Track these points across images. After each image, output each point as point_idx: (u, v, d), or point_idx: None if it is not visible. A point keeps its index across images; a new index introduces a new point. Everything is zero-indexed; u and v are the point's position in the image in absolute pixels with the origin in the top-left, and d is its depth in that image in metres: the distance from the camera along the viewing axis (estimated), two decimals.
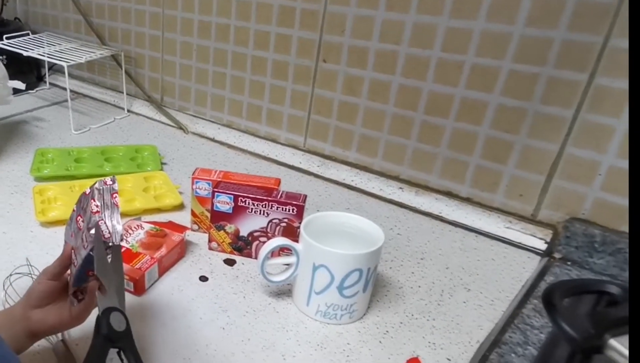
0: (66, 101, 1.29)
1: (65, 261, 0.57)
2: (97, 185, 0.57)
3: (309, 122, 1.06)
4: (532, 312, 0.69)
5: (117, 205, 0.55)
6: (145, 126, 1.25)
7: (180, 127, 1.22)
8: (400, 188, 0.95)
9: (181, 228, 0.81)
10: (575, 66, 0.75)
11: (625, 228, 0.76)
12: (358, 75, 0.96)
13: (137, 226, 0.79)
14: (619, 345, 0.47)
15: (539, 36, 0.77)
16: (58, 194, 0.90)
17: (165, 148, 1.12)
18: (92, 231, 0.52)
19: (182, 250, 0.78)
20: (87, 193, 0.57)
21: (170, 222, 0.84)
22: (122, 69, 1.32)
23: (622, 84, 0.72)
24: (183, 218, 0.86)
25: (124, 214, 0.87)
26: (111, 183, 0.57)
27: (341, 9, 0.94)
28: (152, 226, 0.80)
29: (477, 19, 0.81)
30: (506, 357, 0.62)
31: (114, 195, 0.56)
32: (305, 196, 0.76)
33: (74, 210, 0.60)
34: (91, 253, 0.51)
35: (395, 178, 0.97)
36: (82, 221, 0.56)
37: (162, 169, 1.02)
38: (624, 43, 0.71)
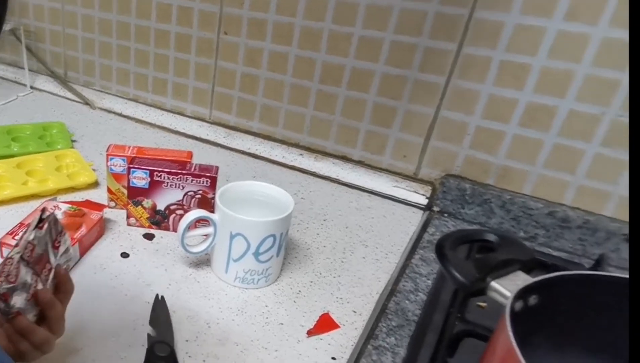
0: None
1: None
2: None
3: (213, 95, 1.07)
4: (419, 262, 0.76)
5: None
6: (50, 102, 1.21)
7: (87, 102, 1.19)
8: (301, 154, 0.99)
9: (99, 206, 0.80)
10: (446, 36, 0.80)
11: (490, 181, 0.84)
12: (258, 47, 0.97)
13: (54, 207, 0.78)
14: (499, 286, 0.53)
15: (415, 9, 0.81)
16: None
17: (73, 124, 1.09)
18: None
19: (102, 228, 0.78)
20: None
21: (87, 201, 0.83)
22: (22, 43, 1.25)
23: (486, 52, 0.78)
24: (99, 195, 0.86)
25: (37, 196, 0.86)
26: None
27: None
28: (70, 206, 0.79)
29: None
30: (401, 304, 0.68)
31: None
32: (218, 168, 0.77)
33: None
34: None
35: (296, 145, 1.01)
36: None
37: (72, 147, 1.00)
38: (487, 14, 0.76)
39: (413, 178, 0.91)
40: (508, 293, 0.51)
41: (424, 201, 0.89)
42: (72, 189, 0.88)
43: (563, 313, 0.53)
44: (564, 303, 0.52)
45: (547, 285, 0.51)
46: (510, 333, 0.45)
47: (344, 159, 0.97)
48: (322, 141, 0.98)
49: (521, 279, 0.53)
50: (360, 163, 0.96)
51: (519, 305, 0.50)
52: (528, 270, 0.55)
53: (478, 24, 0.78)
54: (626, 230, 0.74)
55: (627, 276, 0.51)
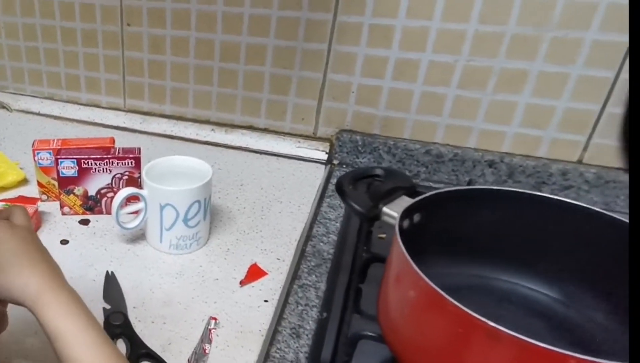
0: None
1: None
2: None
3: (125, 84, 1.08)
4: (327, 209, 0.83)
5: None
6: None
7: (3, 106, 1.17)
8: (212, 129, 1.03)
9: (32, 200, 0.81)
10: (322, 8, 0.86)
11: (376, 131, 0.92)
12: (160, 34, 0.99)
13: None
14: (389, 210, 0.58)
15: None
16: None
17: None
18: None
19: (38, 220, 0.79)
20: None
21: (20, 197, 0.83)
22: None
23: (357, 18, 0.84)
24: (30, 191, 0.86)
25: None
26: None
27: None
28: (3, 203, 0.79)
29: None
30: (317, 246, 0.75)
31: None
32: (140, 149, 0.80)
33: None
34: None
35: (207, 122, 1.04)
36: None
37: None
38: None
39: (313, 137, 0.98)
40: (396, 214, 0.56)
41: (324, 156, 0.96)
42: (3, 189, 0.87)
43: (443, 226, 0.58)
44: (442, 217, 0.58)
45: (425, 203, 0.57)
46: (401, 245, 0.49)
47: (251, 128, 1.02)
48: (229, 115, 1.02)
49: (405, 202, 0.58)
50: (265, 130, 1.01)
51: (406, 223, 0.56)
52: (411, 195, 0.59)
53: None
54: (487, 157, 0.85)
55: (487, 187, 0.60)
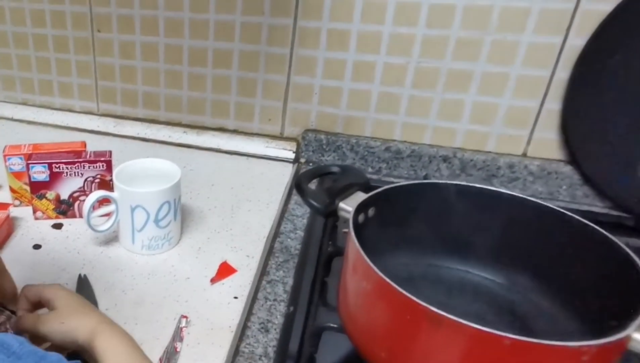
0: None
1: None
2: None
3: (97, 89, 1.07)
4: (295, 206, 0.84)
5: None
6: None
7: None
8: (184, 132, 1.03)
9: (4, 206, 0.79)
10: (283, 13, 0.87)
11: (339, 130, 0.93)
12: (130, 40, 0.99)
13: None
14: (344, 205, 0.59)
15: None
16: None
17: None
18: None
19: (10, 226, 0.77)
20: None
21: None
22: None
23: (315, 23, 0.86)
24: (3, 197, 0.85)
25: None
26: None
27: None
28: None
29: None
30: (285, 242, 0.76)
31: None
32: (111, 152, 0.79)
33: None
34: None
35: (179, 124, 1.05)
36: None
37: None
38: None
39: (280, 137, 0.99)
40: (351, 209, 0.57)
41: (291, 155, 0.97)
42: None
43: (397, 218, 0.60)
44: (396, 211, 0.60)
45: (378, 198, 0.58)
46: (354, 239, 0.51)
47: (222, 130, 1.02)
48: (200, 117, 1.03)
49: (360, 197, 0.59)
50: (235, 131, 1.02)
51: (361, 217, 0.57)
52: (365, 190, 0.60)
53: (304, 0, 0.85)
54: (442, 152, 0.87)
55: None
